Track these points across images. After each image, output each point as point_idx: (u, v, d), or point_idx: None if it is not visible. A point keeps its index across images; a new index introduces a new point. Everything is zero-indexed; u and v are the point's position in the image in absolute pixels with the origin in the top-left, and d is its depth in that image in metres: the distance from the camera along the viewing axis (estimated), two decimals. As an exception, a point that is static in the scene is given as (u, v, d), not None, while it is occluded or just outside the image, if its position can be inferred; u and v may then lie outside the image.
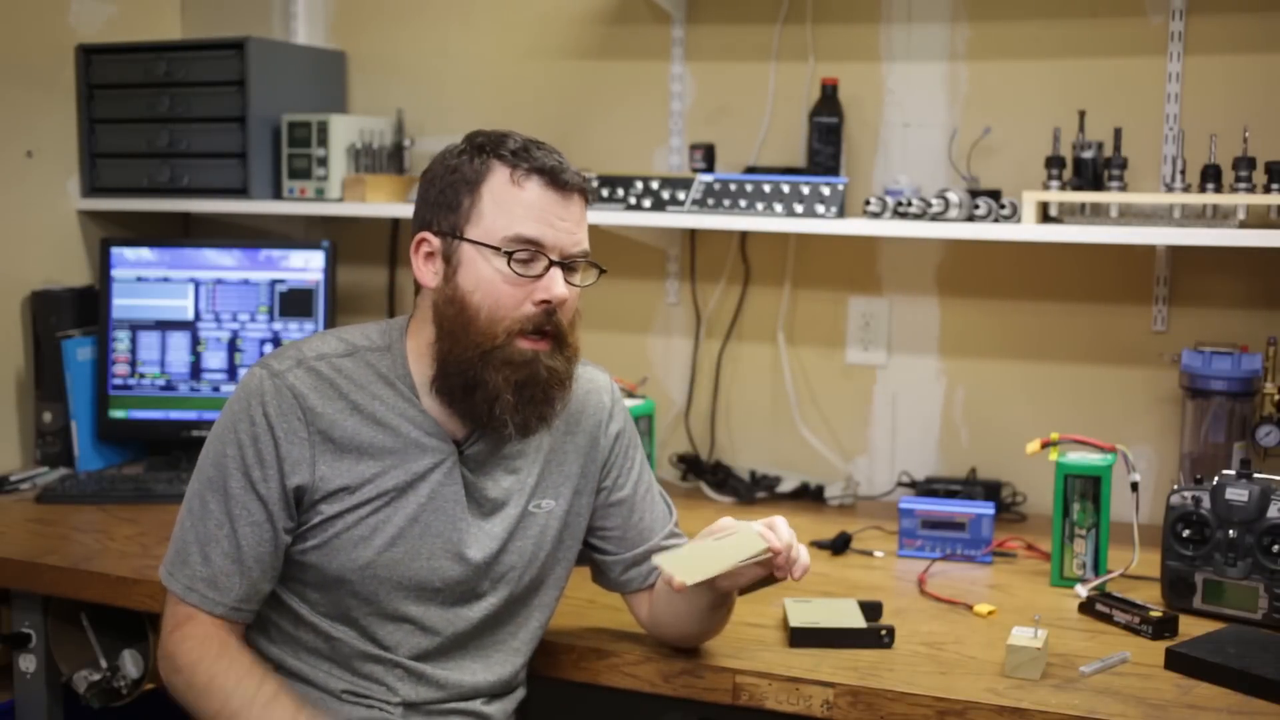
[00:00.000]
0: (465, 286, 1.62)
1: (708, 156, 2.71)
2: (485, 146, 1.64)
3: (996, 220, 2.36)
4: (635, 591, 1.84)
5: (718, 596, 1.73)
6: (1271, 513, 1.94)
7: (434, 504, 1.68)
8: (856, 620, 1.89)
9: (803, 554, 1.65)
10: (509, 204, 1.61)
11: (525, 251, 1.60)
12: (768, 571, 1.65)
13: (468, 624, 1.72)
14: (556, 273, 1.62)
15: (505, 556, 1.73)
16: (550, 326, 1.62)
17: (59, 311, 2.80)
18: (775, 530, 1.63)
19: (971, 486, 2.56)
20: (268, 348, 2.77)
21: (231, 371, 2.80)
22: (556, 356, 1.64)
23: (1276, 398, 2.29)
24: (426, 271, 1.66)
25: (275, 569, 1.66)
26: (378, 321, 1.76)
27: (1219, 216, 2.26)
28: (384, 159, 2.93)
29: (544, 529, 1.76)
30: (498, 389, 1.60)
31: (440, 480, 1.68)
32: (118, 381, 2.80)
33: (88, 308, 2.84)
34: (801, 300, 2.80)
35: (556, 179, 1.62)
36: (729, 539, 1.64)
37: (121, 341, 2.80)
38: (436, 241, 1.65)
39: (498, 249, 1.60)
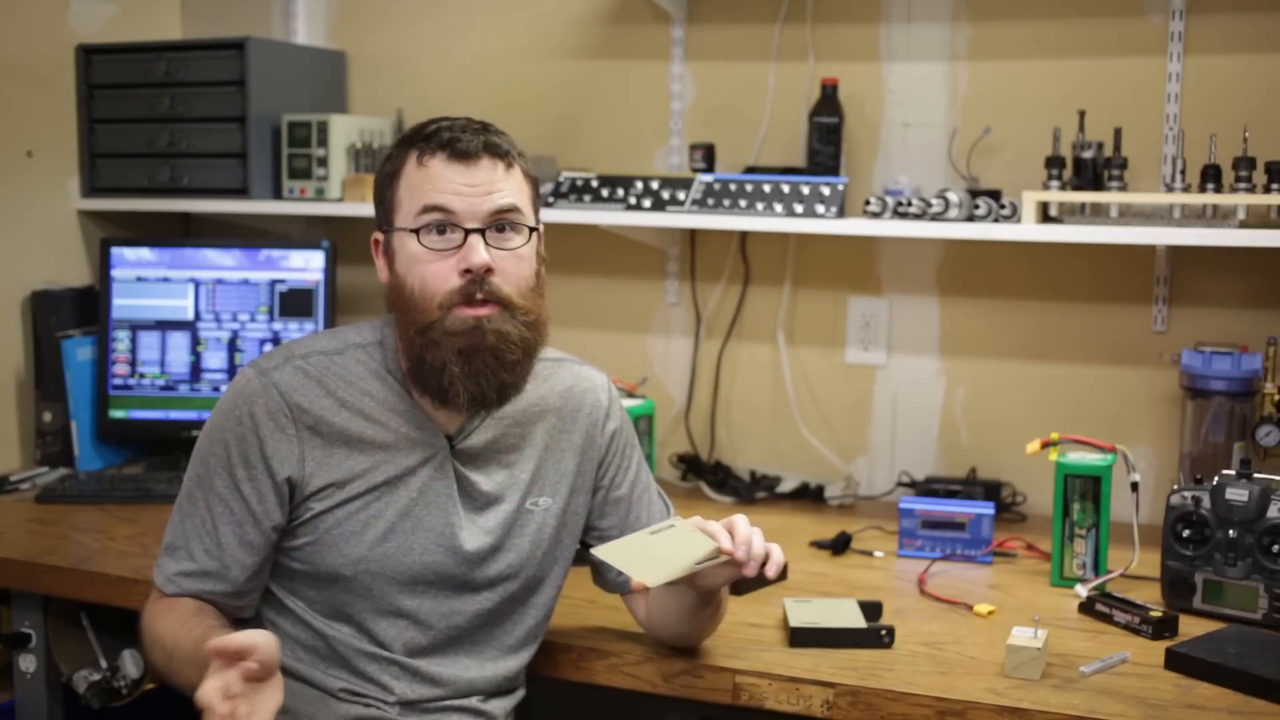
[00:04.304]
0: (400, 272, 1.66)
1: (708, 156, 2.71)
2: (405, 139, 1.69)
3: (996, 220, 2.36)
4: (633, 592, 1.83)
5: (700, 596, 1.71)
6: (1271, 513, 1.94)
7: (425, 498, 1.69)
8: (856, 620, 1.89)
9: (774, 551, 1.62)
10: (416, 184, 1.65)
11: (430, 223, 1.63)
12: (736, 571, 1.62)
13: (463, 619, 1.72)
14: (474, 240, 1.62)
15: (503, 554, 1.73)
16: (483, 294, 1.62)
17: (59, 311, 2.80)
18: (734, 530, 1.61)
19: (971, 486, 2.56)
20: (267, 348, 2.77)
21: (231, 372, 2.79)
22: (506, 320, 1.63)
23: (1276, 398, 2.29)
24: (381, 269, 1.71)
25: (256, 569, 1.66)
26: (372, 320, 1.77)
27: (1219, 216, 2.26)
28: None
29: (541, 527, 1.76)
30: (444, 359, 1.62)
31: (431, 474, 1.69)
32: (118, 381, 2.80)
33: (88, 308, 2.84)
34: (801, 300, 2.79)
35: (454, 148, 1.64)
36: (670, 532, 1.62)
37: (121, 341, 2.80)
38: (381, 239, 1.70)
39: (414, 230, 1.64)
